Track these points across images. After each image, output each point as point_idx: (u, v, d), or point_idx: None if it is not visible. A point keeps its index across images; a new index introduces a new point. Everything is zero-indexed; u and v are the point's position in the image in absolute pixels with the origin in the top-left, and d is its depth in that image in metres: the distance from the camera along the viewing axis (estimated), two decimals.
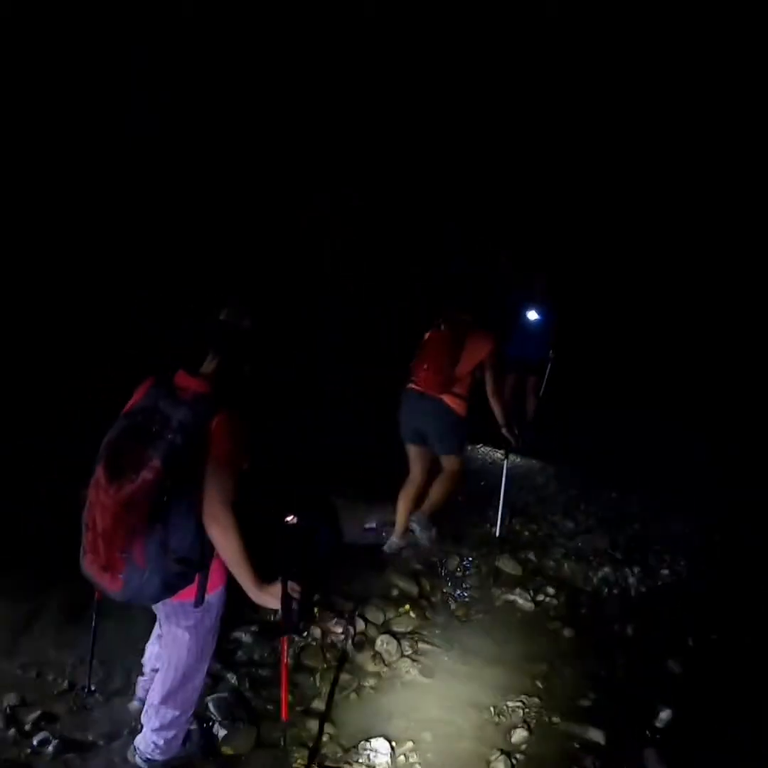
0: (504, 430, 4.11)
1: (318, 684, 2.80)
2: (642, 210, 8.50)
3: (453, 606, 3.59)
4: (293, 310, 6.97)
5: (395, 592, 3.58)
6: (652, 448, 6.42)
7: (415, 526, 3.97)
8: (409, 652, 3.08)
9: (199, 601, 1.82)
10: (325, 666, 2.91)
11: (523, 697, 2.83)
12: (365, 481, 4.61)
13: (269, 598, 1.80)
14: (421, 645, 3.14)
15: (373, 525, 4.36)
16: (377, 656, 3.03)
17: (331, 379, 6.18)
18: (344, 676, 2.87)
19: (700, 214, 8.32)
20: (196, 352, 1.94)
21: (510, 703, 2.78)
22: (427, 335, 3.95)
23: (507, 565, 4.02)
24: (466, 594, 3.72)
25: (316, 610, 3.22)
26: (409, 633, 3.24)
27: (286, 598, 1.77)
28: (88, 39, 5.67)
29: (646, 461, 6.08)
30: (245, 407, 1.81)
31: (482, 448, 6.27)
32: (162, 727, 2.03)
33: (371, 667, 2.96)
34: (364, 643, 3.10)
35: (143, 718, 2.10)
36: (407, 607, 3.44)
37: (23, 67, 5.48)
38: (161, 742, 2.04)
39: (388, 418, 4.15)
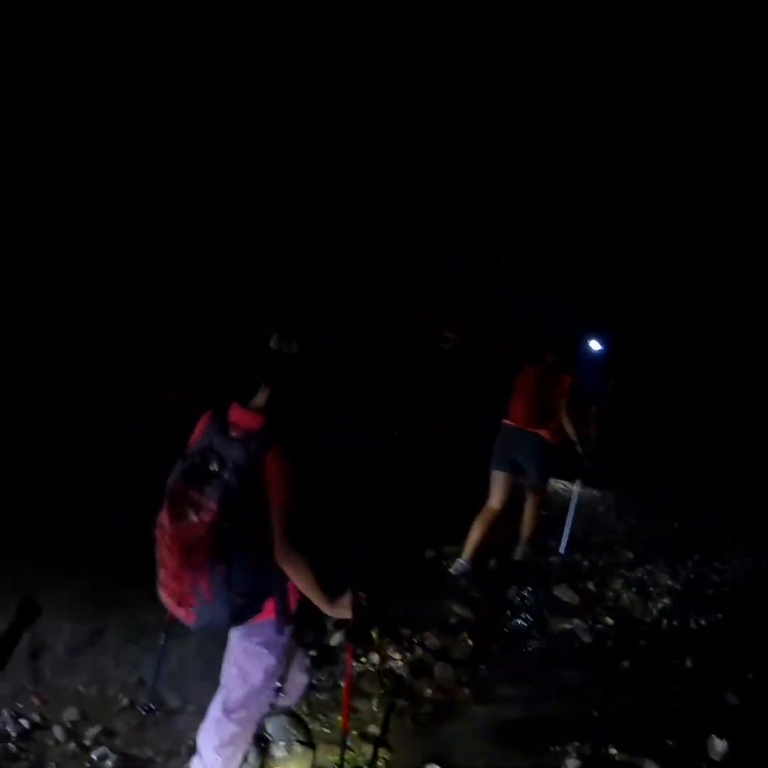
0: (582, 453, 4.46)
1: (375, 709, 2.80)
2: (642, 208, 8.49)
3: (510, 634, 3.60)
4: (293, 309, 6.98)
5: (453, 620, 3.57)
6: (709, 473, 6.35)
7: (519, 549, 4.42)
8: (465, 679, 3.07)
9: (281, 624, 1.86)
10: (382, 692, 2.91)
11: (578, 727, 2.80)
12: (401, 494, 4.63)
13: (342, 610, 1.88)
14: (477, 672, 3.15)
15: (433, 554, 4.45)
16: (434, 683, 3.01)
17: (331, 379, 6.18)
18: (401, 702, 2.86)
19: (700, 215, 8.31)
20: (248, 381, 1.90)
21: (565, 733, 2.75)
22: (520, 375, 4.41)
23: (565, 595, 4.04)
24: (523, 622, 3.72)
25: (374, 636, 3.24)
26: (466, 660, 3.24)
27: (356, 608, 1.88)
28: (88, 39, 5.67)
29: (706, 487, 6.01)
30: (299, 434, 1.82)
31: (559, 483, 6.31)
32: (222, 744, 1.99)
33: (428, 693, 2.95)
34: (421, 669, 3.10)
35: (202, 735, 2.05)
36: (465, 634, 3.44)
37: (23, 66, 5.48)
38: (220, 760, 2.00)
39: (388, 418, 4.17)
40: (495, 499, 4.23)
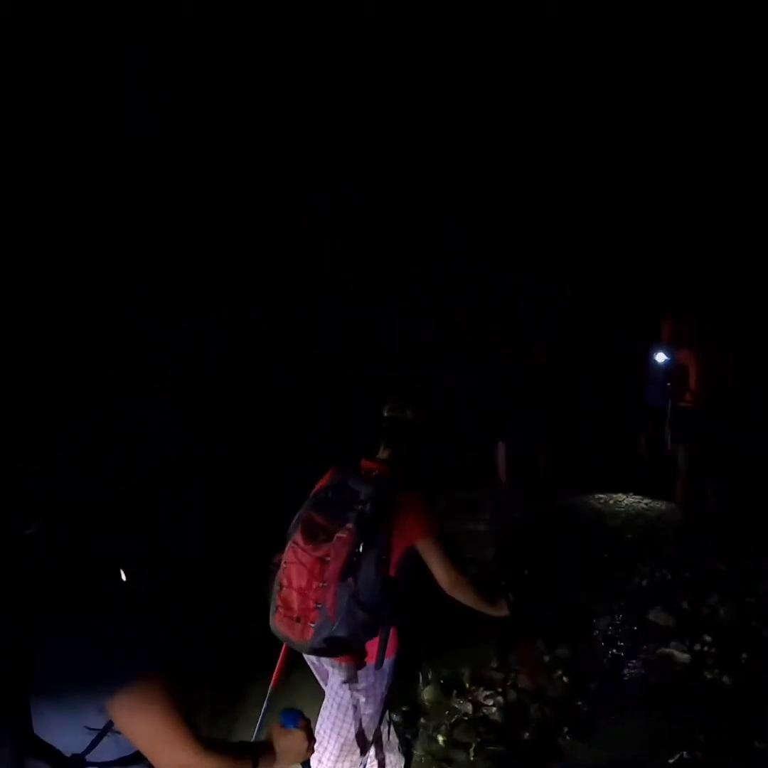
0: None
1: (472, 758, 2.75)
2: (642, 210, 8.48)
3: (607, 666, 3.51)
4: (293, 309, 6.98)
5: (547, 658, 3.47)
6: None
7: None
8: (563, 717, 3.00)
9: (380, 661, 1.97)
10: (478, 740, 2.85)
11: (684, 752, 2.76)
12: None
13: (502, 610, 2.21)
14: (576, 710, 3.08)
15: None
16: (531, 725, 2.96)
17: (331, 379, 6.18)
18: (498, 749, 2.81)
19: (700, 217, 8.30)
20: (370, 442, 2.27)
21: (671, 761, 2.72)
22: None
23: (659, 617, 3.92)
24: (619, 652, 3.62)
25: (467, 683, 3.21)
26: (563, 698, 3.17)
27: (512, 606, 2.22)
28: (88, 39, 5.67)
29: None
30: (417, 483, 2.13)
31: (627, 499, 6.27)
32: None
33: (526, 736, 2.90)
34: (517, 713, 3.05)
35: None
36: (559, 671, 3.37)
37: (23, 66, 5.48)
38: None
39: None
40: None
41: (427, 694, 3.15)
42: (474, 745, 2.80)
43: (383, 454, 2.22)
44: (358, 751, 2.09)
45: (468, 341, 6.36)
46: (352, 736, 2.05)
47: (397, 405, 2.26)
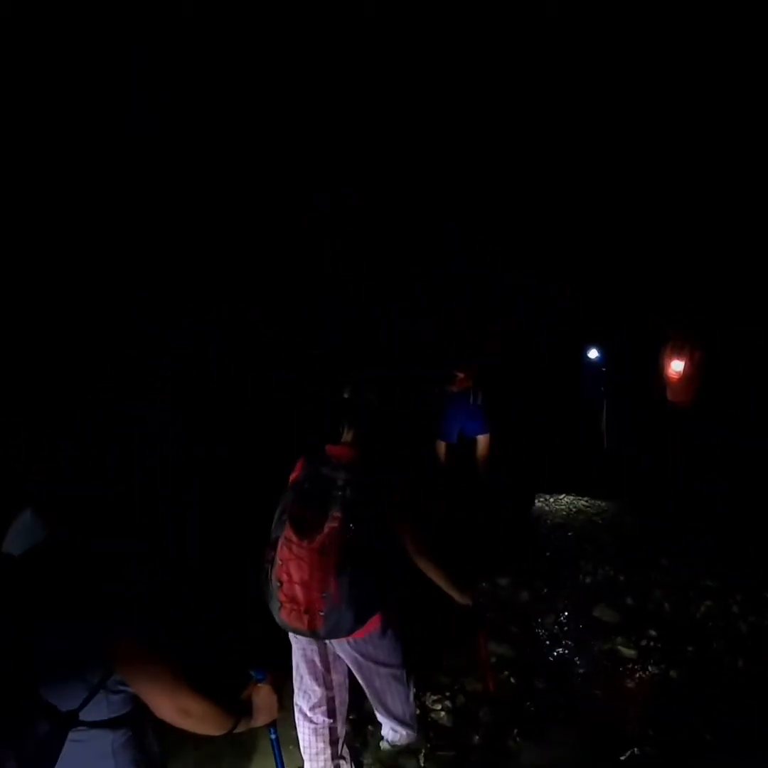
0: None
1: (422, 764, 2.75)
2: (644, 213, 8.47)
3: (554, 664, 3.53)
4: (293, 309, 6.98)
5: (494, 659, 3.47)
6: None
7: None
8: (514, 718, 3.01)
9: (385, 630, 2.22)
10: (428, 746, 2.83)
11: (635, 748, 2.78)
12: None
13: (467, 597, 2.42)
14: (525, 710, 3.09)
15: None
16: (481, 728, 2.96)
17: (331, 379, 6.18)
18: (447, 754, 2.80)
19: (701, 220, 8.28)
20: (332, 426, 2.32)
21: (623, 757, 2.75)
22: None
23: (605, 614, 3.98)
24: (565, 651, 3.65)
25: (413, 689, 3.26)
26: (512, 699, 3.17)
27: (476, 595, 2.48)
28: (88, 38, 5.66)
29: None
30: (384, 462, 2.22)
31: (566, 498, 6.26)
32: (324, 749, 2.37)
33: (476, 740, 2.90)
34: (466, 716, 3.04)
35: (306, 747, 2.40)
36: (506, 673, 3.38)
37: (23, 66, 5.48)
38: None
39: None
40: None
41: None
42: (424, 751, 2.78)
43: (347, 436, 2.26)
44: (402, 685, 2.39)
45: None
46: (389, 688, 2.35)
47: (356, 388, 2.30)
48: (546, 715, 3.05)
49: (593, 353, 6.32)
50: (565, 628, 3.87)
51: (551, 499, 6.38)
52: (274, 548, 2.08)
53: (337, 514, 2.01)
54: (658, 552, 4.85)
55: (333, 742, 2.36)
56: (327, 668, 2.31)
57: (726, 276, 7.44)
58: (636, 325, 7.14)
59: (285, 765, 1.86)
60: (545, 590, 4.29)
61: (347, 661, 2.30)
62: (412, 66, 6.83)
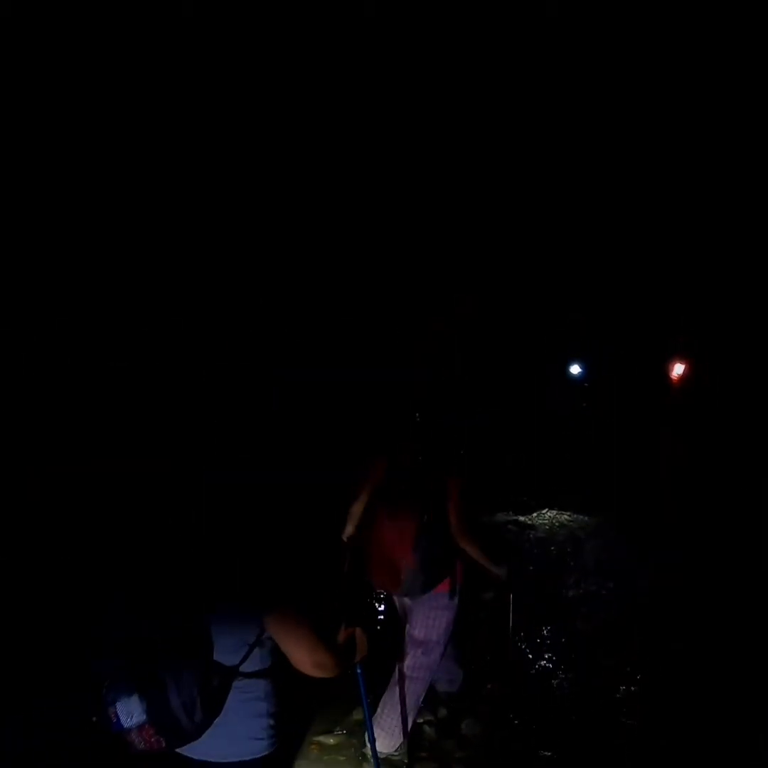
0: None
1: None
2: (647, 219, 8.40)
3: (537, 675, 3.65)
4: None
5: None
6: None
7: None
8: (496, 730, 3.09)
9: (454, 591, 2.81)
10: (411, 758, 2.88)
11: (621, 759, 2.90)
12: None
13: (501, 571, 2.91)
14: (508, 722, 3.17)
15: None
16: (464, 741, 3.03)
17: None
18: (430, 765, 2.88)
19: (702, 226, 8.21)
20: (400, 438, 2.96)
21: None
22: None
23: (585, 626, 4.13)
24: (547, 662, 3.74)
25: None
26: (494, 712, 3.23)
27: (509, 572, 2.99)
28: (88, 38, 5.65)
29: None
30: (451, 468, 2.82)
31: (549, 512, 6.43)
32: (402, 701, 2.81)
33: (458, 754, 2.97)
34: (449, 729, 3.12)
35: (386, 700, 2.85)
36: (489, 686, 3.47)
37: (23, 66, 5.46)
38: (399, 717, 2.80)
39: None
40: None
41: (357, 714, 3.15)
42: (406, 762, 2.84)
43: (413, 446, 2.88)
44: (438, 651, 2.84)
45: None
46: (435, 637, 2.82)
47: (426, 412, 3.00)
48: (528, 728, 3.08)
49: (575, 369, 6.33)
50: (548, 641, 3.93)
51: (534, 513, 6.41)
52: (369, 529, 2.77)
53: (414, 504, 2.65)
54: (639, 565, 4.92)
55: (408, 695, 2.81)
56: (411, 623, 2.88)
57: (722, 283, 7.45)
58: (630, 335, 7.17)
59: (368, 696, 2.19)
60: (524, 599, 4.33)
61: (419, 616, 2.84)
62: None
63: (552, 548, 5.42)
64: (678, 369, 6.13)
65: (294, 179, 6.97)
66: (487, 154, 7.63)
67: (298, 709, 2.90)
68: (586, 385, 6.29)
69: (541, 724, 3.12)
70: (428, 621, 2.82)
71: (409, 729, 2.80)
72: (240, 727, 1.50)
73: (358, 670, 2.08)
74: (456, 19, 6.41)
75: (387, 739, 2.78)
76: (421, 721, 3.08)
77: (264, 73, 6.54)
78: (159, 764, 1.44)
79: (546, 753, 2.91)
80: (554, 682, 3.54)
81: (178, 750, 1.43)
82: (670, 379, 6.19)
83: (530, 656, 3.79)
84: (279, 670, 1.59)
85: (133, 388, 5.29)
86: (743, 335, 6.35)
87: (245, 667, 1.50)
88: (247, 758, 1.50)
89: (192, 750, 1.46)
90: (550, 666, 3.68)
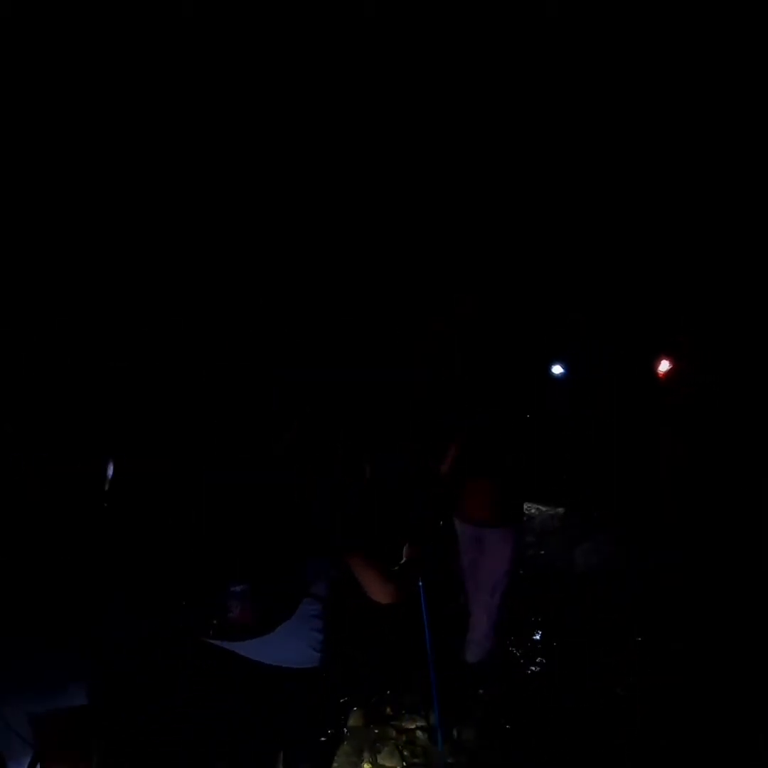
0: None
1: None
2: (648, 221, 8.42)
3: (530, 681, 3.68)
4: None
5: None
6: None
7: None
8: (487, 735, 3.08)
9: (517, 526, 3.20)
10: (404, 764, 2.92)
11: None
12: None
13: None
14: (500, 728, 3.16)
15: None
16: (455, 746, 3.01)
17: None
18: None
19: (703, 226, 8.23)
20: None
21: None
22: None
23: (572, 630, 4.06)
24: (538, 667, 3.74)
25: (388, 709, 3.29)
26: (486, 717, 3.23)
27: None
28: (87, 38, 5.67)
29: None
30: None
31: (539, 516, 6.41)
32: (492, 622, 3.17)
33: (450, 761, 2.95)
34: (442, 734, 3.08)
35: (474, 626, 3.23)
36: (480, 692, 3.40)
37: (22, 66, 5.49)
38: (494, 636, 3.20)
39: None
40: None
41: (350, 720, 3.17)
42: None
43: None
44: (510, 577, 3.13)
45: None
46: (506, 566, 3.11)
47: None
48: (525, 730, 3.10)
49: (558, 369, 6.32)
50: (539, 646, 3.93)
51: (533, 511, 6.40)
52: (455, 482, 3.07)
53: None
54: (639, 565, 4.91)
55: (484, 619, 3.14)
56: (479, 551, 3.19)
57: (718, 282, 7.46)
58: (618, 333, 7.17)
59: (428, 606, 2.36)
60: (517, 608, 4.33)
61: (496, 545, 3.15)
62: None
63: (551, 548, 5.41)
64: (664, 365, 6.13)
65: (294, 179, 6.99)
66: (487, 154, 7.65)
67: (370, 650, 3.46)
68: (586, 385, 6.29)
69: (538, 725, 3.12)
70: (496, 552, 3.14)
71: (497, 642, 3.17)
72: (302, 637, 1.86)
73: (420, 583, 2.37)
74: (456, 19, 6.43)
75: (476, 649, 3.18)
76: (413, 727, 3.12)
77: (264, 73, 6.56)
78: (233, 670, 1.78)
79: (544, 754, 2.92)
80: (552, 683, 3.54)
81: (252, 657, 1.79)
82: (660, 376, 6.19)
83: (527, 657, 3.80)
84: (337, 594, 1.95)
85: (133, 387, 5.29)
86: (743, 335, 6.36)
87: (314, 590, 1.88)
88: (306, 665, 1.86)
89: (263, 655, 1.81)
90: (549, 667, 3.69)
